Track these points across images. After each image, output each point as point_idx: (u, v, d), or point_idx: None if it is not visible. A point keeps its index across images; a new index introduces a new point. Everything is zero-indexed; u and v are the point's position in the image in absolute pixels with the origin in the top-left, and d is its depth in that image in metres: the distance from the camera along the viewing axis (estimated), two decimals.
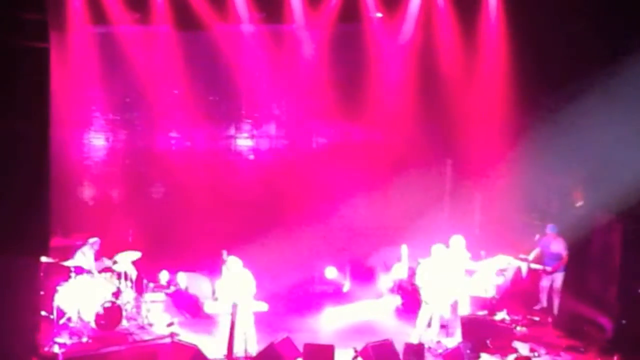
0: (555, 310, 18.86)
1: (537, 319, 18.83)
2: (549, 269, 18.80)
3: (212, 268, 18.14)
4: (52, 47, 15.78)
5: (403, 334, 17.44)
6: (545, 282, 18.97)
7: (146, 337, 17.12)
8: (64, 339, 16.58)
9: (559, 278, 18.85)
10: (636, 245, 18.32)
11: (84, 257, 17.59)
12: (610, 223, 19.01)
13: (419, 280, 17.45)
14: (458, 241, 18.12)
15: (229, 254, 17.03)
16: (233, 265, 16.68)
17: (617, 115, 17.72)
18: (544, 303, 18.98)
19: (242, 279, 16.72)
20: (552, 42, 19.63)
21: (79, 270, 17.32)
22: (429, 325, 17.32)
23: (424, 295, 17.32)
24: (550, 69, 19.53)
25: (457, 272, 17.91)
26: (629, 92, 17.48)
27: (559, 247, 18.82)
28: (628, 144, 17.91)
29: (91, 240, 17.74)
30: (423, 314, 17.34)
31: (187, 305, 18.57)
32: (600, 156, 18.48)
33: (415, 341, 16.90)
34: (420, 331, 17.29)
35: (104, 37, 19.88)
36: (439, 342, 17.35)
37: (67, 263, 17.37)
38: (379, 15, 20.90)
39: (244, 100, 21.00)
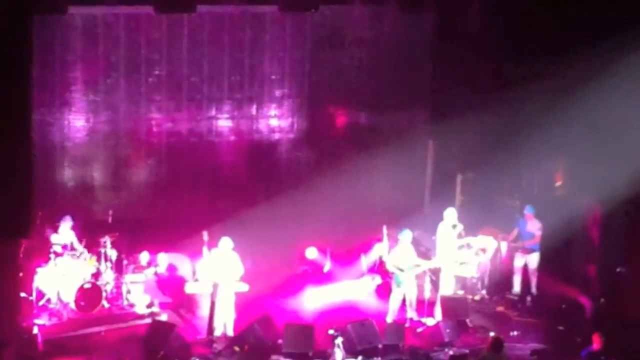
0: (534, 290, 18.97)
1: (516, 298, 18.95)
2: (527, 247, 18.91)
3: (193, 249, 18.14)
4: (32, 28, 15.79)
5: (383, 314, 17.56)
6: (518, 263, 19.05)
7: (126, 318, 17.14)
8: (43, 320, 16.62)
9: (534, 258, 18.95)
10: (615, 226, 18.42)
11: (59, 236, 17.59)
12: (590, 204, 19.09)
13: (389, 266, 17.61)
14: (451, 214, 18.28)
15: (214, 234, 17.05)
16: (223, 245, 16.72)
17: (601, 98, 17.77)
18: (517, 288, 19.06)
19: (227, 260, 16.77)
20: (538, 22, 19.65)
21: (60, 253, 17.35)
22: (403, 305, 17.48)
23: (394, 278, 17.48)
24: (536, 52, 19.53)
25: (448, 247, 18.11)
26: (614, 77, 17.52)
27: (533, 227, 18.91)
28: (611, 128, 17.98)
29: (62, 220, 17.73)
30: (394, 297, 17.52)
31: (167, 286, 18.60)
32: (581, 138, 18.54)
33: (390, 322, 17.08)
34: (394, 312, 17.45)
35: (85, 18, 19.80)
36: (412, 320, 17.45)
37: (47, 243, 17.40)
38: None
39: (226, 82, 20.95)
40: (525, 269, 19.01)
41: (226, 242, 16.78)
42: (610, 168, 17.60)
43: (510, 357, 15.15)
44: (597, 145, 18.21)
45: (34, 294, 16.85)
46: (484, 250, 19.00)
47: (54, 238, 17.55)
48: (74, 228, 17.91)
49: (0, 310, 15.54)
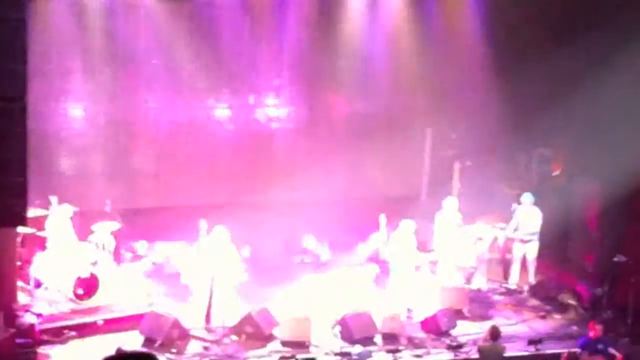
0: (532, 279, 18.95)
1: (513, 287, 18.94)
2: (526, 238, 18.87)
3: (190, 238, 18.14)
4: (29, 16, 15.73)
5: (381, 303, 17.54)
6: (517, 252, 19.02)
7: (124, 308, 17.13)
8: (40, 309, 16.58)
9: (533, 247, 18.91)
10: (613, 215, 18.40)
11: (56, 226, 17.54)
12: (589, 192, 19.08)
13: (387, 254, 17.61)
14: (451, 203, 18.29)
15: (213, 223, 17.04)
16: (219, 235, 16.70)
17: (600, 86, 17.72)
18: (515, 277, 19.05)
19: (224, 250, 16.75)
20: (534, 9, 19.61)
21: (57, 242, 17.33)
22: (400, 295, 17.48)
23: (392, 267, 17.48)
24: (531, 36, 19.50)
25: (446, 236, 18.13)
26: (615, 63, 17.47)
27: (534, 217, 18.87)
28: (609, 115, 17.95)
29: (60, 207, 17.68)
30: (391, 286, 17.51)
31: (165, 276, 18.61)
32: (580, 126, 18.52)
33: (388, 311, 17.09)
34: (392, 301, 17.45)
35: (82, 7, 19.76)
36: (409, 310, 17.46)
37: (43, 233, 17.34)
38: None
39: (224, 71, 20.90)
40: (524, 258, 18.99)
41: (221, 232, 16.75)
42: (609, 156, 17.60)
43: (506, 347, 15.19)
44: (596, 133, 18.20)
45: (32, 282, 16.81)
46: (481, 239, 19.01)
47: (51, 227, 17.50)
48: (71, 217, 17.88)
49: None
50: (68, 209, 17.62)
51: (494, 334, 14.84)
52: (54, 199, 17.75)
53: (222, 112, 21.11)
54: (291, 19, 21.06)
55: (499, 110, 19.94)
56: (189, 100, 20.84)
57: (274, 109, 21.40)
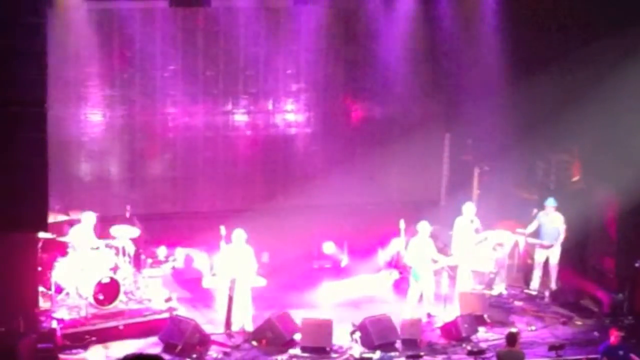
0: (553, 285, 18.89)
1: (534, 292, 18.88)
2: (546, 243, 18.82)
3: (210, 243, 18.15)
4: (48, 23, 15.78)
5: (401, 309, 17.52)
6: (539, 258, 18.95)
7: (144, 313, 17.15)
8: (62, 314, 16.62)
9: (556, 253, 18.85)
10: (633, 220, 18.34)
11: (79, 232, 17.55)
12: (608, 198, 19.02)
13: (407, 259, 17.56)
14: (470, 208, 18.23)
15: (231, 228, 17.06)
16: (237, 239, 16.71)
17: (618, 91, 17.68)
18: (536, 282, 18.99)
19: (242, 254, 16.77)
20: (551, 13, 19.58)
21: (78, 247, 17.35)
22: (420, 300, 17.44)
23: (412, 272, 17.43)
24: (550, 41, 19.47)
25: (465, 242, 18.05)
26: (632, 67, 17.42)
27: (556, 221, 18.81)
28: (627, 119, 17.90)
29: (84, 215, 17.69)
30: (412, 291, 17.48)
31: (185, 281, 18.62)
32: (598, 131, 18.46)
33: (408, 317, 17.05)
34: (412, 307, 17.42)
35: (101, 13, 19.80)
36: (430, 315, 17.44)
37: (64, 239, 17.35)
38: None
39: (241, 76, 20.91)
40: (545, 263, 18.93)
41: (239, 236, 16.77)
42: (628, 160, 17.54)
43: (526, 353, 15.13)
44: (615, 137, 18.15)
45: (53, 288, 16.83)
46: (501, 244, 18.96)
47: (72, 232, 17.53)
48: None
49: (19, 302, 15.65)
50: (91, 216, 17.63)
51: (511, 339, 14.79)
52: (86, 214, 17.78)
53: (240, 117, 21.10)
54: (309, 25, 21.05)
55: (518, 115, 19.86)
56: (207, 105, 20.84)
57: (292, 114, 21.38)
